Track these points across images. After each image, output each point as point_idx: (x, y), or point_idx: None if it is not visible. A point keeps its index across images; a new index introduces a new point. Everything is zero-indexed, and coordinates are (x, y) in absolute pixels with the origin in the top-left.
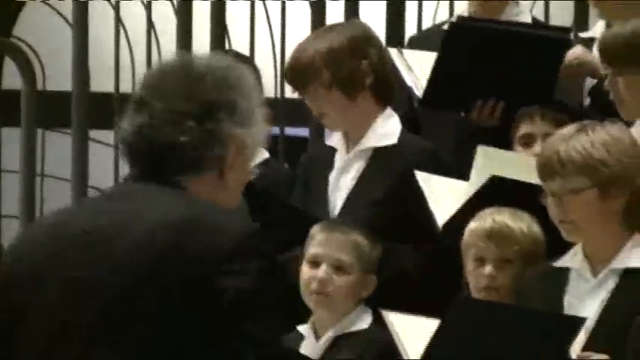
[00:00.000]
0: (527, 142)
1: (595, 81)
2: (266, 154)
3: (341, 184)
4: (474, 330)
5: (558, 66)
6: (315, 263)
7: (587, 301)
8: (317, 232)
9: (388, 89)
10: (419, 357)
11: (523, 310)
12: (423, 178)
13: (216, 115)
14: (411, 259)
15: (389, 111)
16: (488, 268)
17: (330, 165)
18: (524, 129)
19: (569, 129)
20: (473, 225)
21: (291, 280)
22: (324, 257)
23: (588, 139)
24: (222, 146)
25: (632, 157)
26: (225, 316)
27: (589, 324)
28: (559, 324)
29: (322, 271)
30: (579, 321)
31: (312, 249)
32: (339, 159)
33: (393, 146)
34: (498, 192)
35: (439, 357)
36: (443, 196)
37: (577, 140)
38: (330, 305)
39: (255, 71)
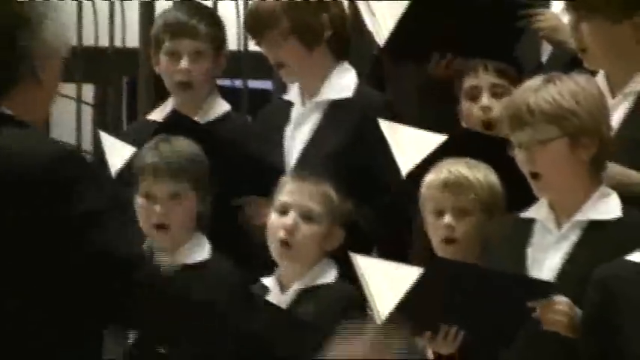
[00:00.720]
0: (474, 94)
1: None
2: (226, 107)
3: (297, 137)
4: (447, 290)
5: (521, 28)
6: (283, 212)
7: (550, 253)
8: (288, 181)
9: (345, 44)
10: (387, 306)
11: (496, 272)
12: (387, 127)
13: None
14: (363, 213)
15: (345, 65)
16: (446, 219)
17: (286, 118)
18: (468, 82)
19: (536, 80)
20: (429, 177)
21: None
22: (293, 206)
23: (557, 89)
24: (28, 62)
25: (600, 107)
26: (73, 230)
27: (551, 276)
28: (531, 287)
29: (290, 218)
30: (551, 286)
31: (282, 197)
32: (295, 112)
33: (349, 99)
34: (465, 144)
35: (411, 312)
36: (407, 145)
37: (546, 91)
38: (294, 257)
39: (219, 23)
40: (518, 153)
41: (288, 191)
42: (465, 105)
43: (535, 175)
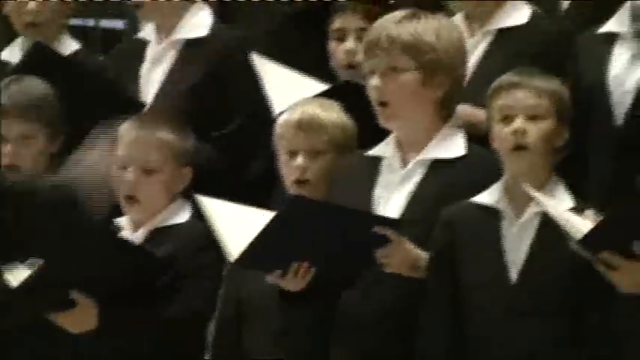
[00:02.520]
0: (340, 36)
1: None
2: (75, 45)
3: (153, 76)
4: (299, 228)
5: None
6: (124, 166)
7: (395, 191)
8: (125, 132)
9: None
10: (239, 246)
11: (348, 210)
12: (262, 66)
13: None
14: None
15: (200, 3)
16: (299, 160)
17: (141, 57)
18: (337, 23)
19: (401, 12)
20: (283, 117)
21: None
22: (132, 160)
23: (420, 23)
24: None
25: (458, 48)
26: None
27: (396, 213)
28: (377, 224)
29: (131, 174)
30: (396, 222)
31: (120, 151)
32: (150, 51)
33: (205, 37)
34: (346, 95)
35: (263, 252)
36: (283, 86)
37: (409, 23)
38: (140, 209)
39: None
40: (371, 80)
41: (125, 144)
42: (332, 45)
43: (384, 104)
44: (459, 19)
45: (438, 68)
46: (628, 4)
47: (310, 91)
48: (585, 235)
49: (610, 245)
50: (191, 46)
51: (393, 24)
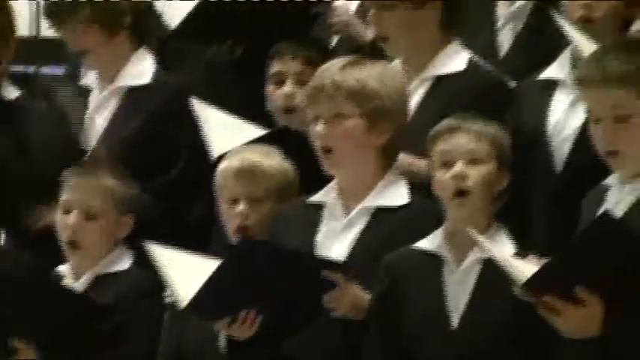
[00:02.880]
0: (279, 80)
1: None
2: (16, 92)
3: (96, 123)
4: (248, 272)
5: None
6: (67, 211)
7: (338, 239)
8: (69, 177)
9: (145, 30)
10: (187, 293)
11: (295, 253)
12: (201, 110)
13: None
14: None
15: (143, 51)
16: (240, 207)
17: (84, 104)
18: (275, 67)
19: (345, 59)
20: (223, 165)
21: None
22: (74, 204)
23: (365, 69)
24: None
25: (401, 94)
26: None
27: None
28: (326, 268)
29: (73, 217)
30: (340, 266)
31: (65, 195)
32: (93, 98)
33: (147, 85)
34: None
35: (211, 299)
36: (221, 131)
37: (353, 69)
38: (83, 253)
39: (6, 11)
40: (315, 126)
41: (70, 188)
42: (270, 89)
43: (328, 150)
44: (398, 65)
45: (382, 115)
46: (568, 51)
47: (249, 136)
48: (528, 280)
49: (553, 289)
50: (133, 93)
51: (337, 70)
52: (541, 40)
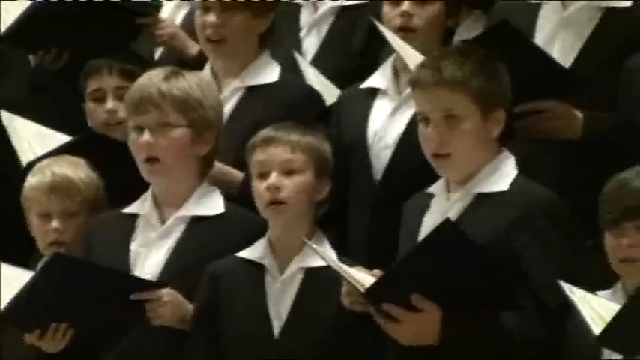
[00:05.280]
0: (98, 97)
1: None
2: None
3: None
4: (60, 287)
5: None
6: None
7: (154, 248)
8: None
9: None
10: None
11: (109, 270)
12: (7, 119)
13: None
14: None
15: None
16: (54, 223)
17: None
18: (93, 84)
19: (165, 69)
20: (33, 180)
21: None
22: None
23: (186, 79)
24: None
25: (219, 104)
26: None
27: (156, 271)
28: (142, 287)
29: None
30: (148, 283)
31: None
32: None
33: None
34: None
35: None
36: (29, 138)
37: (176, 80)
38: None
39: None
40: (140, 136)
41: None
42: (90, 106)
43: (154, 160)
44: (208, 74)
45: (205, 125)
46: (391, 60)
47: (55, 143)
48: (368, 288)
49: (392, 297)
50: None
51: (161, 80)
52: (347, 44)
